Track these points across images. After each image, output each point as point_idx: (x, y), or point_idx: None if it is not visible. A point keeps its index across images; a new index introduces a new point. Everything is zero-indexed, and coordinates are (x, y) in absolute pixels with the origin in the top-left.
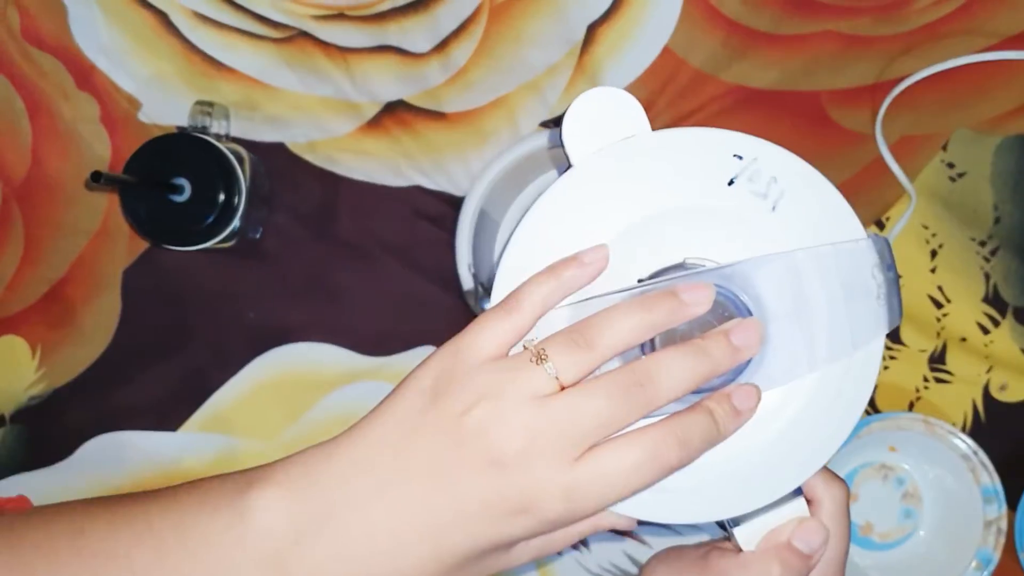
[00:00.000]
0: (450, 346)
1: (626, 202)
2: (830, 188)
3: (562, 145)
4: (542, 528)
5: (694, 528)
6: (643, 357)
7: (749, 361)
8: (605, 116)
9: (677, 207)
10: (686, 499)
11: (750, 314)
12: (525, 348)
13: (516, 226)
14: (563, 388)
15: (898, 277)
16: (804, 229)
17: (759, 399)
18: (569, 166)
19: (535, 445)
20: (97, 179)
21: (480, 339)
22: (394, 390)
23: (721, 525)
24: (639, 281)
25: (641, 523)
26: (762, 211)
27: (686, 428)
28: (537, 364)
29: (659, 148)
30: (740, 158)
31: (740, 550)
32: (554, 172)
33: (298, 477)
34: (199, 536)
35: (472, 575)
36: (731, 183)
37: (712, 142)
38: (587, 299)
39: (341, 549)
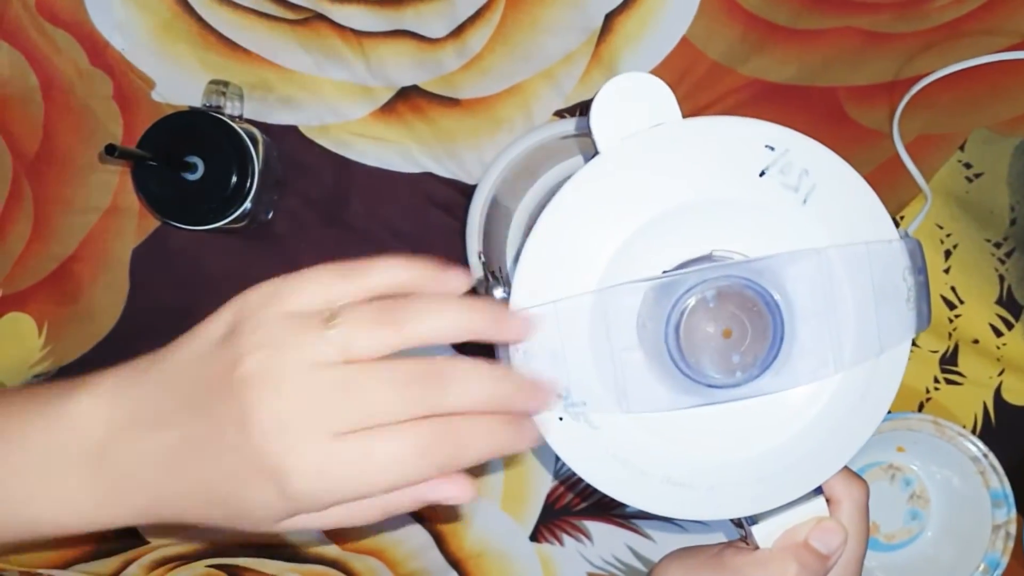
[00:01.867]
0: (268, 286)
1: (654, 190)
2: (862, 184)
3: (589, 131)
4: (286, 503)
5: (702, 525)
6: (445, 358)
7: (776, 357)
8: (635, 102)
9: (706, 197)
10: (706, 496)
11: (779, 310)
12: (326, 308)
13: (540, 212)
14: (347, 361)
15: (928, 281)
16: (835, 225)
17: (537, 436)
18: (596, 152)
19: (297, 411)
20: (111, 152)
21: (297, 289)
22: (199, 325)
23: (738, 523)
24: (664, 272)
25: (650, 517)
26: (793, 204)
27: (471, 432)
28: (326, 328)
29: (689, 136)
30: (772, 149)
31: (757, 548)
32: (573, 160)
33: (112, 388)
34: (20, 433)
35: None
36: (762, 174)
37: (744, 132)
38: (611, 287)
39: (140, 453)
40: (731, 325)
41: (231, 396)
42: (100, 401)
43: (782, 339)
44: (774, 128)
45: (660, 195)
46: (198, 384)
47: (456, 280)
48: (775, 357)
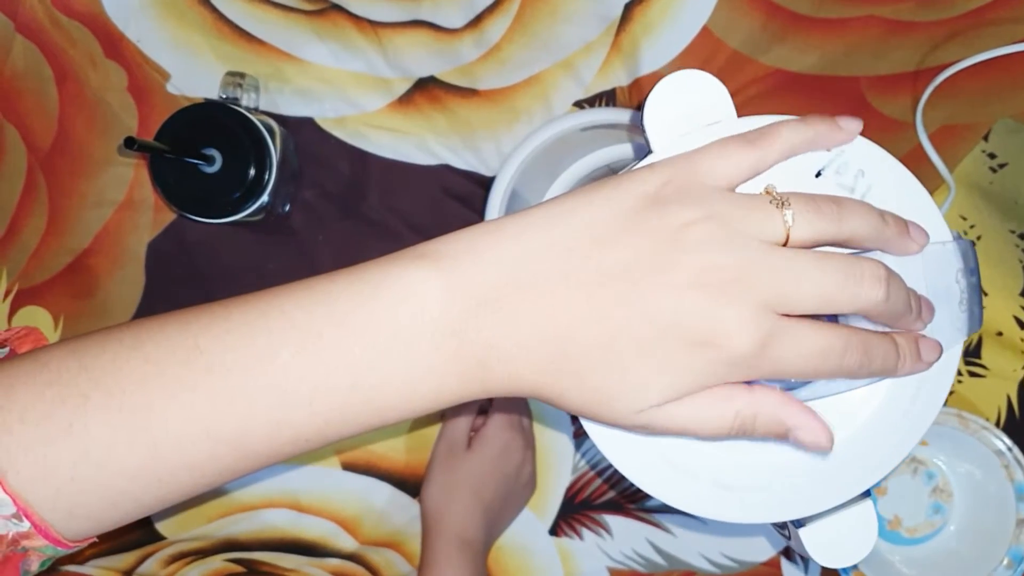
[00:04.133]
0: (684, 160)
1: None
2: (917, 185)
3: (643, 129)
4: (720, 369)
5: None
6: (866, 258)
7: None
8: (689, 100)
9: None
10: (756, 499)
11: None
12: (766, 191)
13: None
14: (787, 243)
15: (980, 282)
16: None
17: (939, 357)
18: (649, 151)
19: (747, 282)
20: (131, 145)
21: (719, 163)
22: (608, 184)
23: (782, 525)
24: None
25: (671, 512)
26: None
27: (874, 345)
28: (777, 208)
29: None
30: (827, 149)
31: (805, 552)
32: (598, 153)
33: (474, 254)
34: (361, 321)
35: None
36: (818, 175)
37: None
38: None
39: (519, 327)
40: None
41: (672, 261)
42: (462, 267)
43: None
44: None
45: None
46: (620, 248)
47: (851, 124)
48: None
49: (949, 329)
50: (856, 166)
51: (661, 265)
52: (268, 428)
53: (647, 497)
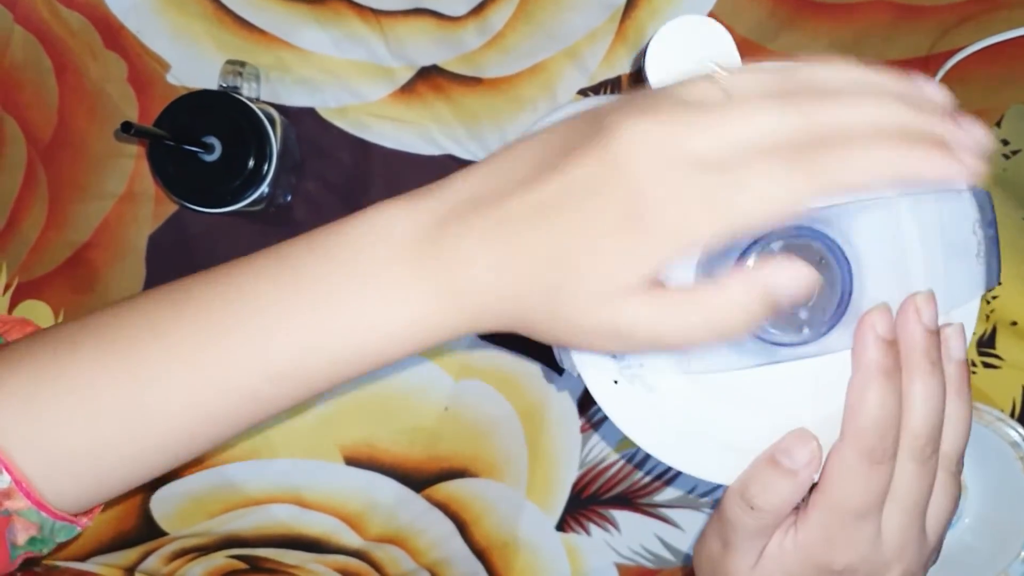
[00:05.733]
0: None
1: None
2: None
3: (644, 79)
4: (648, 250)
5: None
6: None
7: (845, 312)
8: (693, 47)
9: None
10: None
11: (847, 263)
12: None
13: None
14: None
15: (998, 236)
16: None
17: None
18: None
19: (664, 139)
20: (127, 129)
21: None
22: (591, 109)
23: None
24: None
25: (681, 506)
26: None
27: (856, 141)
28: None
29: None
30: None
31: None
32: None
33: (445, 183)
34: (332, 245)
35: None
36: None
37: None
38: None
39: (486, 236)
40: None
41: (594, 144)
42: (432, 198)
43: (851, 293)
44: None
45: None
46: (556, 146)
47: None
48: (844, 313)
49: (966, 282)
50: None
51: (590, 151)
52: (249, 362)
53: (656, 491)
